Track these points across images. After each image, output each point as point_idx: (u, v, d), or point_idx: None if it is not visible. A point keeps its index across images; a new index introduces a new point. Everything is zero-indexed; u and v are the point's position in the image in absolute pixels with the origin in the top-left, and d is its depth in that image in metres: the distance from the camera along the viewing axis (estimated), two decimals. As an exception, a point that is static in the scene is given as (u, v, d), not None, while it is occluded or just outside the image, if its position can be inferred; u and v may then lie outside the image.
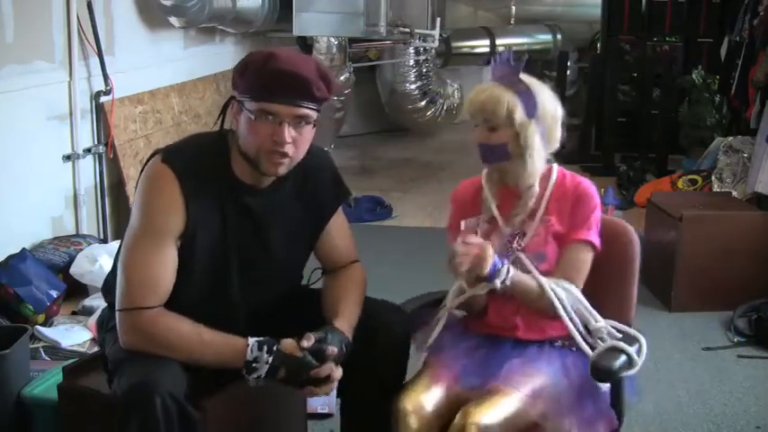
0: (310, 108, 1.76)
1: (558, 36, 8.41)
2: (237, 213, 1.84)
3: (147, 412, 1.63)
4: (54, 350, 2.98)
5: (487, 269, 1.77)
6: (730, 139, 5.18)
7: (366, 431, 1.98)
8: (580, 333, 1.85)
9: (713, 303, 3.69)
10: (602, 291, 1.96)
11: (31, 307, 3.20)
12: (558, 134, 1.96)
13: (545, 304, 1.85)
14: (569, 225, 1.92)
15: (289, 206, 1.91)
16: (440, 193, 5.79)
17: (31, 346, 2.90)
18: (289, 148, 1.75)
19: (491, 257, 1.78)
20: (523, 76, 1.91)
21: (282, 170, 1.80)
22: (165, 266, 1.77)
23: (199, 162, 1.80)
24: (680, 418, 2.79)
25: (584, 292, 1.91)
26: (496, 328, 1.97)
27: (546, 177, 1.96)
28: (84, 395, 1.95)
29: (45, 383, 2.45)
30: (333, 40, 6.06)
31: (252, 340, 1.76)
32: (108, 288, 1.96)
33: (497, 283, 1.80)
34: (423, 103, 7.54)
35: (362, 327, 1.89)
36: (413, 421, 1.78)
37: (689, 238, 3.70)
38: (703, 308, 3.70)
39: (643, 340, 1.85)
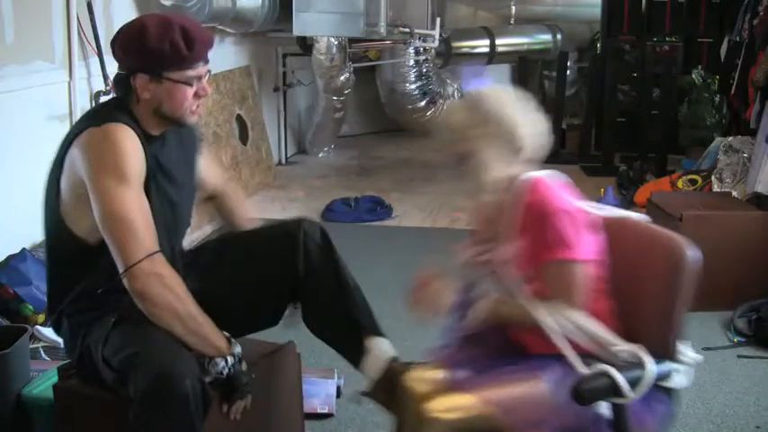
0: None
1: (558, 36, 8.39)
2: (152, 164, 1.92)
3: (180, 399, 1.67)
4: (54, 350, 2.98)
5: (444, 313, 1.79)
6: (730, 139, 5.17)
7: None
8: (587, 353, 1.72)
9: (713, 303, 3.67)
10: (638, 311, 1.81)
11: (31, 307, 3.19)
12: (521, 140, 1.78)
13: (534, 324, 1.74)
14: (539, 247, 1.75)
15: (176, 147, 2.04)
16: (440, 193, 5.79)
17: (31, 346, 2.90)
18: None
19: (445, 305, 1.79)
20: (479, 85, 1.82)
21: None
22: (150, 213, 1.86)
23: (125, 120, 1.89)
24: (680, 419, 2.78)
25: (623, 310, 1.82)
26: (512, 336, 1.89)
27: (507, 191, 1.80)
28: (80, 395, 1.95)
29: (45, 383, 2.44)
30: (333, 40, 6.05)
31: None
32: (58, 297, 1.99)
33: (467, 324, 1.80)
34: (423, 103, 7.53)
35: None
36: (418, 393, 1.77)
37: (689, 238, 3.68)
38: (703, 308, 3.69)
39: (650, 372, 1.62)
